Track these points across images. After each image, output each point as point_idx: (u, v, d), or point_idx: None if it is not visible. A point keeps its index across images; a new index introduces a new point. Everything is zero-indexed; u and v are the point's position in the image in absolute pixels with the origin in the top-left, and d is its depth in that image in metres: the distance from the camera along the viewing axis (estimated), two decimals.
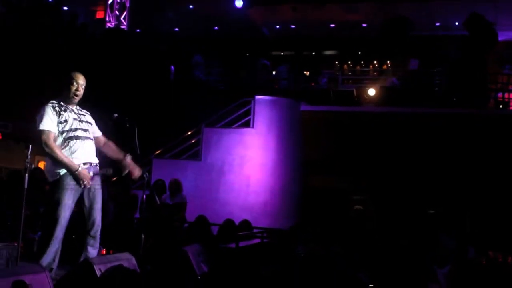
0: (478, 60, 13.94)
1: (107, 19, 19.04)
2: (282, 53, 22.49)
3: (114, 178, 9.21)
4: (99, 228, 5.04)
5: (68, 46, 13.14)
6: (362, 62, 19.81)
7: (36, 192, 7.86)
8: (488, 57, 14.57)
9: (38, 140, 4.90)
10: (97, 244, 5.04)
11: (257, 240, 8.29)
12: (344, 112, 13.49)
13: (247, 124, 12.48)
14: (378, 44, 18.50)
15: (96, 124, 5.34)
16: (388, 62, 18.70)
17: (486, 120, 12.69)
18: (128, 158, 5.17)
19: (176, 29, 21.71)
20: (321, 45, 22.45)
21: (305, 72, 18.42)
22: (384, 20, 17.92)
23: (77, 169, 4.82)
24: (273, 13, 19.85)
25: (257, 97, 12.64)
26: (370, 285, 5.72)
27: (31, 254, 6.97)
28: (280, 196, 12.24)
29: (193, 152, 12.45)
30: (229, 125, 12.59)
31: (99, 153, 5.24)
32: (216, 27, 21.51)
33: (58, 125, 4.92)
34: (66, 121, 4.95)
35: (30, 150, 5.12)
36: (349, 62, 19.75)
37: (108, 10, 19.14)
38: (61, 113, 4.96)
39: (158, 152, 12.53)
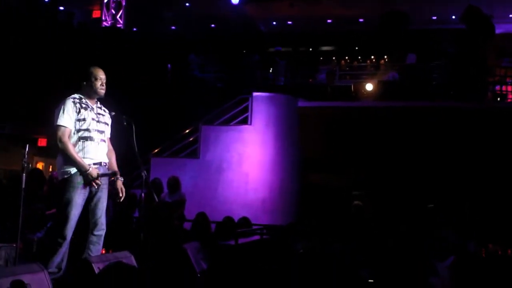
0: (476, 53, 13.92)
1: (103, 18, 19.02)
2: (279, 49, 22.48)
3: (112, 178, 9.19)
4: (104, 229, 5.01)
5: (65, 46, 13.12)
6: (359, 57, 19.82)
7: (34, 192, 7.87)
8: (486, 50, 14.56)
9: (53, 135, 4.85)
10: (101, 244, 5.01)
11: (256, 237, 8.29)
12: (342, 108, 13.49)
13: (245, 121, 12.49)
14: (375, 39, 18.50)
15: None
16: (385, 57, 18.71)
17: (484, 114, 12.68)
18: (120, 180, 5.12)
19: (173, 27, 21.70)
20: (318, 41, 22.45)
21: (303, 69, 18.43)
22: (381, 15, 17.91)
23: (87, 169, 4.79)
24: (269, 9, 19.83)
25: (255, 94, 12.65)
26: (370, 281, 5.72)
27: (30, 254, 6.98)
28: (278, 192, 12.25)
29: (192, 150, 12.46)
30: (227, 122, 12.60)
31: None
32: (213, 25, 21.51)
33: (75, 122, 4.87)
34: (84, 119, 4.89)
35: (27, 150, 5.10)
36: (347, 57, 19.76)
37: (105, 9, 19.12)
38: (81, 110, 4.89)
39: (156, 150, 12.53)
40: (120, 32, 17.97)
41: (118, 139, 5.43)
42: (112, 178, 5.09)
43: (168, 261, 5.93)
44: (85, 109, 4.94)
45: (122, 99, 5.25)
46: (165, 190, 9.80)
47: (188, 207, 9.66)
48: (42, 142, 15.25)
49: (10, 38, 12.28)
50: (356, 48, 21.23)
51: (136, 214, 8.46)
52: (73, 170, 4.81)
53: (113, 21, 18.97)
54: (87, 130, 4.90)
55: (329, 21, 20.70)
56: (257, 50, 18.25)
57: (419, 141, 12.74)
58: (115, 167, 5.18)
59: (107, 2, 19.09)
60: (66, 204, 4.78)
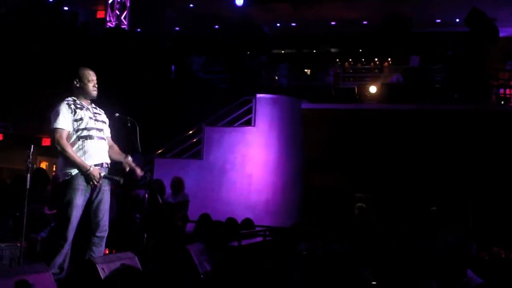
0: (479, 56, 13.92)
1: (107, 18, 19.04)
2: (283, 51, 22.49)
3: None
4: (107, 231, 5.00)
5: (69, 46, 13.14)
6: (363, 59, 19.80)
7: (38, 192, 7.88)
8: (490, 53, 14.56)
9: (51, 139, 4.86)
10: (103, 246, 5.00)
11: (259, 238, 8.30)
12: (346, 110, 13.48)
13: (248, 123, 12.49)
14: (379, 41, 18.49)
15: None
16: (389, 59, 18.70)
17: (488, 117, 12.67)
18: (129, 158, 5.14)
19: (177, 28, 21.71)
20: (322, 43, 22.44)
21: (306, 70, 18.42)
22: (384, 17, 17.89)
23: (88, 169, 4.78)
24: (273, 11, 19.83)
25: (258, 95, 12.65)
26: (373, 283, 5.72)
27: (34, 254, 6.99)
28: (282, 194, 12.25)
29: (195, 151, 12.46)
30: (231, 123, 12.60)
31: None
32: (216, 26, 21.51)
33: (73, 123, 4.86)
34: (81, 119, 4.89)
35: (31, 150, 5.11)
36: (350, 59, 19.75)
37: (109, 10, 19.14)
38: (77, 110, 4.89)
39: (159, 151, 12.54)
40: (124, 33, 17.99)
41: (121, 140, 5.43)
42: (122, 161, 5.10)
43: (171, 262, 5.94)
44: (81, 109, 4.94)
45: (126, 100, 5.25)
46: (168, 191, 9.81)
47: (191, 208, 9.66)
48: (46, 141, 15.25)
49: (13, 38, 12.30)
50: (360, 50, 21.21)
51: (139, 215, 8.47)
52: (74, 171, 4.80)
53: (117, 22, 18.99)
54: (86, 129, 4.90)
55: (332, 23, 20.69)
56: (261, 51, 18.27)
57: (423, 144, 12.73)
58: (120, 155, 5.18)
59: (111, 2, 19.12)
60: (66, 206, 4.77)
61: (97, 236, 4.93)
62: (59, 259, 4.73)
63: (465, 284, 5.31)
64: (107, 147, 5.10)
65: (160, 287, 5.22)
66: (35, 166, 12.72)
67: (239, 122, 12.56)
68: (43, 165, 16.70)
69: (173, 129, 12.80)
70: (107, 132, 5.20)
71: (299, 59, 20.58)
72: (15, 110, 12.50)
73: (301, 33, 21.43)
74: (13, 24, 12.92)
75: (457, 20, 18.10)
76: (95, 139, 4.94)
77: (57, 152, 4.88)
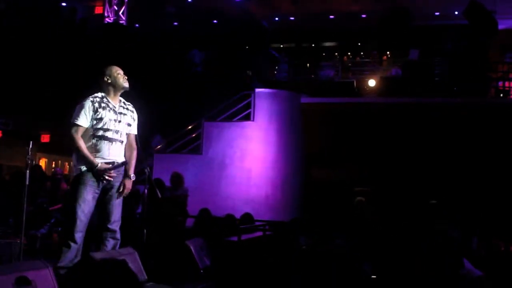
0: (478, 49, 13.90)
1: (105, 14, 19.01)
2: (281, 46, 22.45)
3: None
4: (119, 222, 5.06)
5: (67, 42, 13.12)
6: (362, 53, 19.78)
7: (37, 189, 7.90)
8: (489, 46, 14.53)
9: (67, 132, 4.92)
10: (117, 236, 5.04)
11: (259, 233, 8.30)
12: (345, 104, 13.47)
13: (247, 118, 12.49)
14: (378, 34, 18.45)
15: None
16: (388, 52, 18.67)
17: (487, 109, 12.67)
18: (131, 178, 5.13)
19: (175, 23, 21.67)
20: (320, 37, 22.40)
21: (305, 64, 18.40)
22: (383, 11, 17.85)
23: (96, 165, 4.84)
24: (272, 5, 19.80)
25: (257, 90, 12.65)
26: (372, 277, 5.73)
27: (34, 250, 7.00)
28: (281, 188, 12.26)
29: (194, 146, 12.47)
30: (230, 118, 12.60)
31: None
32: (215, 21, 21.47)
33: (91, 121, 4.92)
34: (101, 119, 4.93)
35: (31, 146, 5.13)
36: (349, 53, 19.72)
37: (107, 5, 19.11)
38: (99, 110, 4.93)
39: (159, 146, 12.54)
40: (122, 28, 17.96)
41: None
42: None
43: (171, 257, 5.95)
44: (104, 108, 4.97)
45: (125, 95, 5.24)
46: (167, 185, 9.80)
47: (191, 203, 9.67)
48: (45, 138, 15.28)
49: (13, 34, 12.29)
50: (359, 44, 21.19)
51: (139, 210, 8.47)
52: (84, 167, 4.88)
53: (115, 17, 18.96)
54: (103, 129, 4.94)
55: (331, 17, 20.66)
56: (260, 46, 18.21)
57: (422, 137, 12.74)
58: (130, 167, 5.17)
59: None
60: (76, 201, 4.86)
61: (109, 230, 5.00)
62: (70, 254, 4.79)
63: (463, 276, 5.32)
64: (122, 149, 5.12)
65: (160, 282, 5.23)
66: (34, 162, 12.73)
67: (238, 117, 12.56)
68: (42, 161, 16.72)
69: (172, 124, 12.80)
70: (131, 130, 5.20)
71: (298, 53, 20.54)
72: (14, 106, 12.50)
73: (300, 27, 21.39)
74: (12, 20, 12.89)
75: (456, 13, 18.08)
76: (110, 140, 4.99)
77: (71, 146, 4.94)
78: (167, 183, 9.82)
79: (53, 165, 17.12)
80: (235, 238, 7.10)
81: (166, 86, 13.91)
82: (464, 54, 14.04)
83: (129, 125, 5.17)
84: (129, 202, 8.38)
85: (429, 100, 13.07)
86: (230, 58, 16.19)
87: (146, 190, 5.51)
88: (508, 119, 12.46)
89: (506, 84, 14.30)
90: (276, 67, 16.46)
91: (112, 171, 4.92)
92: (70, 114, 4.96)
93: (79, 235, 4.82)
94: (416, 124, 12.75)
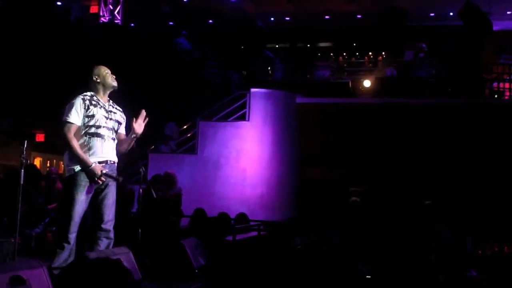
0: (473, 50, 13.93)
1: (101, 13, 18.96)
2: (277, 46, 22.46)
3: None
4: (112, 222, 5.04)
5: (62, 41, 13.08)
6: (357, 53, 19.80)
7: (32, 188, 7.87)
8: (485, 47, 14.57)
9: (60, 131, 4.90)
10: (111, 236, 5.02)
11: (254, 233, 8.31)
12: (340, 104, 13.48)
13: (242, 117, 12.50)
14: (373, 35, 18.48)
15: None
16: (383, 53, 18.70)
17: (482, 111, 12.70)
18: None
19: (171, 23, 21.65)
20: (316, 37, 22.41)
21: (300, 64, 18.39)
22: (379, 11, 17.89)
23: (90, 166, 4.82)
24: (267, 5, 19.80)
25: (253, 90, 12.66)
26: (367, 276, 5.74)
27: (28, 249, 6.98)
28: (276, 188, 12.27)
29: (189, 146, 12.47)
30: (225, 118, 12.61)
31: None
32: (210, 20, 21.46)
33: (84, 119, 4.91)
34: (93, 116, 4.92)
35: (25, 146, 5.11)
36: (344, 53, 19.73)
37: (102, 5, 19.06)
38: (90, 107, 4.93)
39: (153, 146, 12.53)
40: (117, 28, 17.92)
41: None
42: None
43: (166, 256, 5.94)
44: (95, 106, 4.97)
45: (120, 95, 5.24)
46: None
47: (185, 203, 9.67)
48: (40, 137, 15.23)
49: (8, 32, 12.24)
50: (354, 44, 21.20)
51: (134, 209, 8.47)
52: (77, 167, 4.85)
53: (110, 17, 18.92)
54: (95, 126, 4.93)
55: (327, 17, 20.67)
56: (255, 46, 18.22)
57: (417, 137, 12.76)
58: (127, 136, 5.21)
59: None
60: (70, 201, 4.83)
61: (103, 230, 4.97)
62: (64, 254, 4.78)
63: (470, 279, 5.34)
64: (114, 147, 5.12)
65: (155, 282, 5.23)
66: (28, 162, 12.69)
67: (233, 117, 12.57)
68: (37, 160, 16.67)
69: (167, 124, 12.78)
70: (122, 129, 5.23)
71: (293, 54, 20.55)
72: (9, 105, 12.45)
73: (295, 27, 21.40)
74: (6, 18, 12.84)
75: (451, 14, 18.12)
76: (103, 137, 4.98)
77: (64, 145, 4.92)
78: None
79: (48, 165, 17.09)
80: (230, 238, 7.11)
81: (160, 86, 13.89)
82: (459, 55, 14.08)
83: (120, 123, 5.18)
84: (124, 201, 8.40)
85: (423, 101, 13.09)
86: (226, 58, 16.19)
87: (141, 190, 5.51)
88: (502, 120, 12.49)
89: (501, 85, 14.33)
90: (270, 67, 16.46)
91: (105, 171, 4.91)
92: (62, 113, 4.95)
93: (72, 236, 4.81)
94: (411, 125, 12.78)
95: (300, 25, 21.17)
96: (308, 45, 22.94)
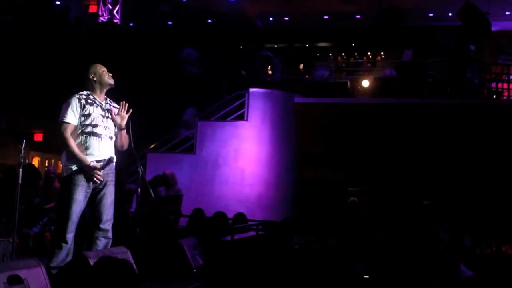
0: (472, 50, 13.95)
1: (100, 13, 18.94)
2: (275, 46, 22.45)
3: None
4: (111, 221, 5.05)
5: (61, 40, 13.08)
6: (356, 53, 19.79)
7: (30, 188, 7.87)
8: (483, 47, 14.58)
9: (56, 131, 4.91)
10: (109, 235, 5.03)
11: (252, 233, 8.31)
12: (338, 104, 13.48)
13: (241, 117, 12.49)
14: (372, 35, 18.48)
15: None
16: (382, 53, 18.70)
17: (480, 111, 12.71)
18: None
19: (169, 22, 21.64)
20: (315, 37, 22.41)
21: (299, 64, 18.38)
22: (378, 11, 17.89)
23: (88, 165, 4.82)
24: (266, 5, 19.80)
25: (251, 89, 12.65)
26: (365, 277, 5.74)
27: (26, 249, 6.99)
28: (274, 188, 12.27)
29: (188, 146, 12.47)
30: (223, 118, 12.61)
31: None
32: (209, 20, 21.45)
33: (80, 118, 4.91)
34: (89, 114, 4.93)
35: (23, 145, 5.11)
36: (343, 53, 19.73)
37: (101, 4, 19.04)
38: (86, 106, 4.94)
39: (152, 146, 12.53)
40: (116, 27, 17.92)
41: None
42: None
43: (164, 256, 5.95)
44: (91, 104, 4.98)
45: (118, 94, 5.24)
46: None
47: (184, 202, 9.66)
48: (38, 137, 15.23)
49: (8, 33, 12.25)
50: (353, 44, 21.19)
51: (133, 209, 8.47)
52: (75, 167, 4.86)
53: (109, 16, 18.91)
54: (92, 125, 4.93)
55: (325, 17, 20.67)
56: (254, 46, 18.21)
57: (415, 138, 12.76)
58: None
59: None
60: (67, 201, 4.84)
61: (101, 229, 4.98)
62: (62, 254, 4.79)
63: (457, 278, 5.34)
64: (112, 145, 5.13)
65: (153, 281, 5.23)
66: (27, 161, 12.70)
67: (232, 117, 12.56)
68: (35, 160, 16.66)
69: (165, 124, 12.79)
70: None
71: (292, 54, 20.54)
72: (7, 104, 12.46)
73: (294, 27, 21.39)
74: (5, 18, 12.85)
75: (450, 14, 18.13)
76: (100, 136, 4.98)
77: (60, 145, 4.92)
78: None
79: (46, 164, 17.07)
80: (228, 238, 7.11)
81: (159, 85, 13.89)
82: (458, 56, 14.08)
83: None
84: (122, 201, 8.40)
85: (422, 101, 13.10)
86: (225, 58, 16.18)
87: (139, 190, 5.51)
88: (501, 120, 12.50)
89: (500, 85, 14.34)
90: (270, 67, 16.45)
91: (103, 170, 4.91)
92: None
93: (70, 236, 4.82)
94: (410, 125, 12.78)
95: (299, 25, 21.16)
96: (307, 45, 22.94)
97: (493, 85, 14.42)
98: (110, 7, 19.04)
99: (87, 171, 4.82)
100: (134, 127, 5.27)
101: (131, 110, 5.20)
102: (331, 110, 13.26)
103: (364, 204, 10.82)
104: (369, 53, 19.12)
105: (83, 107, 4.91)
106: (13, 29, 12.38)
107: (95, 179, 4.85)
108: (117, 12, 19.09)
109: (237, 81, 14.20)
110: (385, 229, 8.16)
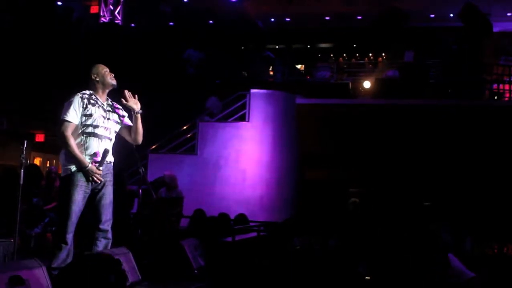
0: (473, 51, 13.94)
1: (101, 13, 18.95)
2: (277, 46, 22.45)
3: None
4: (110, 222, 5.03)
5: (63, 41, 13.08)
6: (357, 54, 19.80)
7: (31, 188, 7.87)
8: (484, 48, 14.57)
9: (56, 129, 4.87)
10: (109, 236, 5.01)
11: (253, 234, 8.31)
12: (340, 105, 13.47)
13: (242, 118, 12.49)
14: (373, 36, 18.48)
15: None
16: (383, 54, 18.71)
17: (481, 112, 12.70)
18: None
19: (171, 23, 21.65)
20: (316, 38, 22.41)
21: (300, 65, 18.40)
22: (379, 12, 17.89)
23: (87, 166, 4.80)
24: (268, 6, 19.80)
25: (253, 90, 12.65)
26: (367, 277, 5.74)
27: (28, 249, 6.98)
28: (276, 189, 12.26)
29: (189, 146, 12.47)
30: (225, 119, 12.61)
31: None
32: (211, 21, 21.46)
33: (81, 117, 4.88)
34: (90, 115, 4.89)
35: (25, 146, 5.10)
36: (344, 54, 19.74)
37: (103, 5, 19.05)
38: (88, 106, 4.91)
39: (154, 146, 12.52)
40: (118, 28, 17.92)
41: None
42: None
43: (165, 257, 5.95)
44: (93, 105, 4.94)
45: (120, 95, 5.23)
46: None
47: (185, 203, 9.65)
48: (40, 137, 15.25)
49: (8, 33, 12.24)
50: (354, 45, 21.20)
51: (134, 210, 8.47)
52: (74, 168, 4.83)
53: (111, 17, 18.92)
54: (93, 126, 4.90)
55: (327, 18, 20.67)
56: (255, 46, 18.21)
57: (417, 139, 12.76)
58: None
59: None
60: (67, 201, 4.81)
61: (101, 230, 4.96)
62: (62, 254, 4.77)
63: (451, 276, 5.33)
64: (111, 147, 5.10)
65: (154, 282, 5.23)
66: (28, 161, 12.70)
67: (233, 118, 12.56)
68: (37, 161, 16.67)
69: (167, 124, 12.78)
70: (127, 121, 5.22)
71: (293, 54, 20.54)
72: (8, 105, 12.45)
73: (295, 28, 21.40)
74: (6, 18, 12.84)
75: (451, 15, 18.12)
76: (100, 137, 4.95)
77: (60, 143, 4.90)
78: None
79: (48, 164, 17.09)
80: (229, 239, 7.11)
81: (161, 86, 13.89)
82: (459, 57, 14.07)
83: (118, 123, 5.16)
84: (124, 202, 8.40)
85: (423, 102, 13.10)
86: (226, 59, 16.18)
87: (141, 190, 5.51)
88: (502, 122, 12.49)
89: (501, 86, 14.33)
90: (270, 68, 16.46)
91: (101, 169, 4.89)
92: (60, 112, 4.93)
93: (70, 236, 4.79)
94: (411, 126, 12.77)
95: (300, 26, 21.16)
96: (308, 46, 22.94)
97: (495, 86, 14.42)
98: (112, 7, 19.04)
99: (86, 172, 4.80)
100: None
101: (136, 95, 5.20)
102: (333, 111, 13.25)
103: (365, 205, 10.81)
104: (370, 54, 19.14)
105: (85, 107, 4.89)
106: (13, 29, 12.36)
107: (95, 178, 4.83)
108: (118, 13, 19.09)
109: (239, 81, 14.21)
110: (386, 230, 8.15)
